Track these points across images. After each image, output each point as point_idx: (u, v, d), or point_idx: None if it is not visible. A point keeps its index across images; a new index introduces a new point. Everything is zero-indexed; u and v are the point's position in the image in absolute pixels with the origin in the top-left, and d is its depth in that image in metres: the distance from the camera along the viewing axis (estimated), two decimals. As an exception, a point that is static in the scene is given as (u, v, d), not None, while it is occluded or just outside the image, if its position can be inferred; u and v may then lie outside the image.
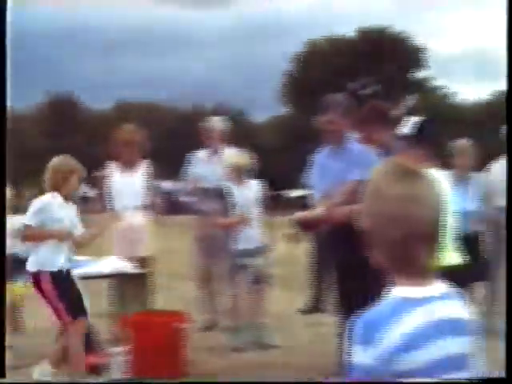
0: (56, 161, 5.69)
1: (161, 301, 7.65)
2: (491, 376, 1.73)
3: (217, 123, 7.74)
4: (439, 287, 1.84)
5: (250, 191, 6.80)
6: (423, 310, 1.77)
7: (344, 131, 5.52)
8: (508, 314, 1.60)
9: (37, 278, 5.43)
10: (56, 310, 5.43)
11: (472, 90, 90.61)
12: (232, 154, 7.10)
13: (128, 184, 7.08)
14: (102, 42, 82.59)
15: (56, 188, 5.55)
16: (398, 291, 1.80)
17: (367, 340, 1.74)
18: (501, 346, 3.78)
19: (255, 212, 6.80)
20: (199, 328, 7.18)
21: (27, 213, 5.45)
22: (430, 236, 1.77)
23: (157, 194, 7.64)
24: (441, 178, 4.33)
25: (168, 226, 7.62)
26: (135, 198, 7.08)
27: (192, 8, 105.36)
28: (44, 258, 5.45)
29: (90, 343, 5.97)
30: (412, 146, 4.56)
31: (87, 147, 50.49)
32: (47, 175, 5.61)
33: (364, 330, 1.76)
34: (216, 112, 56.68)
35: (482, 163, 7.27)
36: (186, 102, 60.00)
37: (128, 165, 7.14)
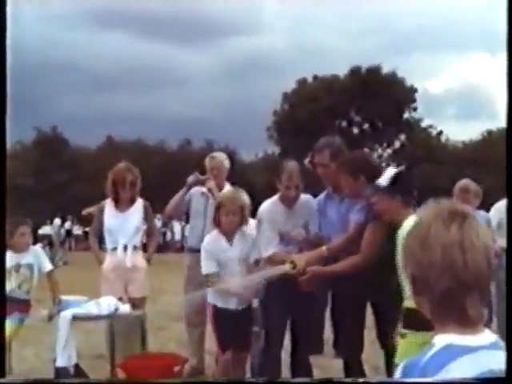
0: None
1: (152, 342, 7.43)
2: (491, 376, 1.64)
3: (225, 160, 7.46)
4: (488, 336, 1.73)
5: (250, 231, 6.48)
6: (471, 359, 1.65)
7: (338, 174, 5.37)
8: (508, 313, 1.58)
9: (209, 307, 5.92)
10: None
11: (460, 129, 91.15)
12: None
13: (122, 222, 6.91)
14: (87, 79, 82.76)
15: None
16: (445, 339, 1.70)
17: None
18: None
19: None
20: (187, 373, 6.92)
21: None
22: (478, 284, 1.69)
23: (152, 234, 7.50)
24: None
25: (155, 264, 7.39)
26: (129, 237, 6.90)
27: (177, 45, 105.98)
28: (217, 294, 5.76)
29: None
30: (389, 196, 4.68)
31: (74, 185, 50.37)
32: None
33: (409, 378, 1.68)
34: (204, 151, 56.89)
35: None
36: (173, 140, 60.18)
37: (122, 203, 6.98)
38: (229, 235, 5.76)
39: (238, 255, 5.75)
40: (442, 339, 1.71)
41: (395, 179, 4.72)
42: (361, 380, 1.85)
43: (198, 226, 7.22)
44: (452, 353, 1.67)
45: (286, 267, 5.40)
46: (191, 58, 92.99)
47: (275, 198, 5.88)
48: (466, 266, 1.67)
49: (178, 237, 34.31)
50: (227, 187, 7.21)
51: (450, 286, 1.68)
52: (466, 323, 1.71)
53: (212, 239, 5.76)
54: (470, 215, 1.74)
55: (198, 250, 7.06)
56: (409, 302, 4.50)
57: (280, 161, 6.63)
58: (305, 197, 5.91)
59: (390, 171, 4.81)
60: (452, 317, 1.71)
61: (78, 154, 56.69)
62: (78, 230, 36.18)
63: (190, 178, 7.21)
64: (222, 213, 5.68)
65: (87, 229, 40.51)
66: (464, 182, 7.10)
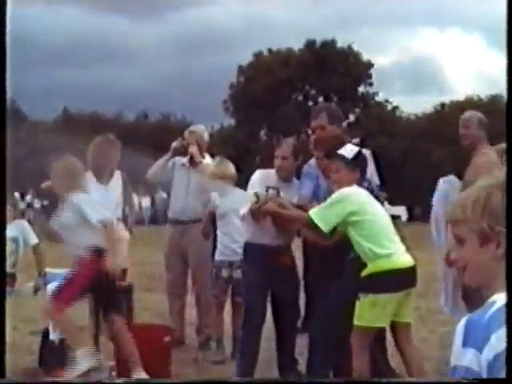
0: None
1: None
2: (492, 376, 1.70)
3: (204, 133, 7.46)
4: None
5: (235, 201, 6.44)
6: None
7: (335, 137, 5.39)
8: (508, 313, 1.68)
9: None
10: None
11: (410, 103, 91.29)
12: (217, 163, 6.85)
13: (105, 195, 6.84)
14: (42, 53, 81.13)
15: None
16: (504, 296, 1.76)
17: (475, 343, 1.72)
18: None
19: (238, 223, 6.42)
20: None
21: None
22: None
23: (131, 205, 7.47)
24: (367, 195, 4.95)
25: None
26: (112, 210, 6.82)
27: (130, 19, 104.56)
28: None
29: (65, 357, 5.81)
30: (348, 168, 4.93)
31: (31, 159, 49.28)
32: None
33: (471, 333, 1.75)
34: (161, 123, 56.42)
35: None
36: (129, 113, 59.51)
37: (103, 175, 6.85)
38: None
39: None
40: (502, 297, 1.76)
41: (356, 155, 4.97)
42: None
43: (179, 198, 7.23)
44: None
45: (252, 200, 5.37)
46: (144, 31, 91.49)
47: (272, 169, 5.89)
48: None
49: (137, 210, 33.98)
50: (208, 159, 7.26)
51: None
52: None
53: None
54: None
55: (180, 222, 7.17)
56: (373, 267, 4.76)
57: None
58: None
59: (351, 147, 5.06)
60: None
61: (35, 128, 55.45)
62: (36, 204, 35.54)
63: (175, 144, 7.19)
64: None
65: (45, 202, 39.72)
66: (502, 144, 6.91)
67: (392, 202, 15.28)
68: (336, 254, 5.10)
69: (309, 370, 5.37)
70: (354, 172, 4.97)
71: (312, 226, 4.85)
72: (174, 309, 7.28)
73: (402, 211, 28.83)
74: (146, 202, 34.60)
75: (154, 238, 12.87)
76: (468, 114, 6.46)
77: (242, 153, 43.93)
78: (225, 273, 6.66)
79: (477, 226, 1.82)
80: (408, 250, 5.01)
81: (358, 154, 5.02)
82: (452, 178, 6.47)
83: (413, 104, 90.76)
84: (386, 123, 50.81)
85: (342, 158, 4.96)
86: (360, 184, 5.11)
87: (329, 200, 4.89)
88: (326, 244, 5.11)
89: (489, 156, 6.11)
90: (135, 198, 30.62)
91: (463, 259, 1.88)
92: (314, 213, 4.83)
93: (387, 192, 7.21)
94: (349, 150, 4.99)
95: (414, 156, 45.89)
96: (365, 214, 4.82)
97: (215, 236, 6.82)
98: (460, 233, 1.88)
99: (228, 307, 6.94)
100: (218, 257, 6.70)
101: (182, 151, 7.18)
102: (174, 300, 7.29)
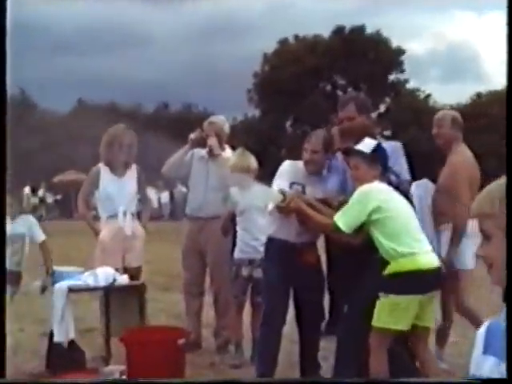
0: None
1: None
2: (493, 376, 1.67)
3: (224, 124, 7.08)
4: None
5: (256, 196, 6.17)
6: None
7: (363, 128, 5.10)
8: (508, 313, 1.67)
9: None
10: None
11: (445, 92, 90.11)
12: (238, 155, 6.49)
13: (120, 188, 6.54)
14: (52, 41, 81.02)
15: None
16: None
17: (495, 351, 1.70)
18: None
19: (259, 219, 6.18)
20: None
21: None
22: None
23: (145, 200, 7.17)
24: (389, 191, 4.74)
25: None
26: (128, 204, 6.55)
27: (151, 5, 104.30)
28: None
29: (74, 361, 5.68)
30: (367, 163, 4.75)
31: (43, 151, 48.84)
32: None
33: (492, 340, 1.72)
34: (182, 114, 56.08)
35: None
36: (149, 103, 59.23)
37: (118, 167, 6.59)
38: None
39: None
40: None
41: (374, 149, 4.78)
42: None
43: (198, 193, 6.90)
44: None
45: (279, 198, 5.06)
46: (166, 18, 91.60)
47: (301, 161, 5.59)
48: None
49: (155, 205, 33.15)
50: (228, 151, 6.93)
51: None
52: None
53: None
54: None
55: (198, 218, 6.84)
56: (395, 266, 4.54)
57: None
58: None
59: (371, 141, 4.86)
60: None
61: (48, 119, 54.77)
62: (48, 199, 34.82)
63: (193, 135, 6.88)
64: None
65: (58, 197, 39.09)
66: None
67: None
68: (362, 254, 4.83)
69: (335, 376, 5.10)
70: (375, 167, 4.77)
71: (337, 230, 4.67)
72: (190, 309, 6.96)
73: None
74: (165, 197, 34.10)
75: (172, 233, 12.59)
76: (441, 113, 6.40)
77: (266, 144, 43.71)
78: (245, 271, 6.36)
79: (504, 221, 1.75)
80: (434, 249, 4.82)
81: (377, 148, 4.80)
82: (425, 181, 6.25)
83: (447, 93, 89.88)
84: (418, 113, 49.86)
85: (361, 153, 4.78)
86: (388, 178, 4.91)
87: (350, 201, 4.68)
88: (353, 243, 4.85)
89: (464, 155, 6.02)
90: (153, 193, 30.56)
91: (489, 256, 1.83)
92: (338, 217, 4.66)
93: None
94: (367, 144, 4.82)
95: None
96: (386, 211, 4.61)
97: (235, 233, 6.51)
98: (487, 228, 1.83)
99: (247, 308, 6.62)
100: (237, 254, 6.40)
101: (201, 143, 6.87)
102: (190, 300, 6.96)
